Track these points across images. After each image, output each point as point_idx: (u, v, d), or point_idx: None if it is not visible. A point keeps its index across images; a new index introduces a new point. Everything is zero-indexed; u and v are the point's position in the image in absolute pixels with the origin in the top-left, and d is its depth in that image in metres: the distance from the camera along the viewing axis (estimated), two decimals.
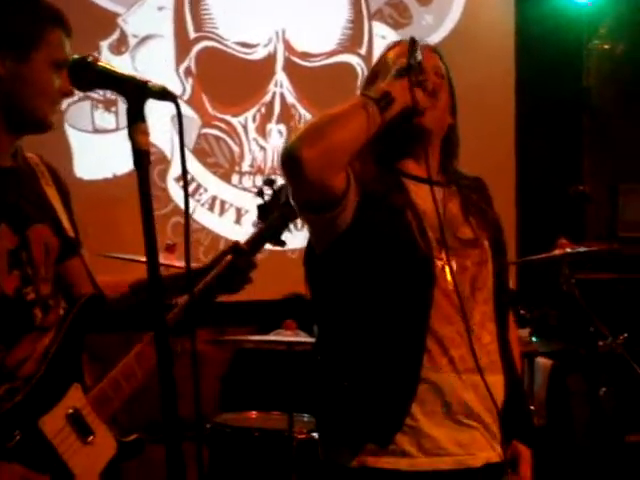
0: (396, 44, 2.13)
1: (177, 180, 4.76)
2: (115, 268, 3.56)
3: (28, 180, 1.99)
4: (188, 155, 4.73)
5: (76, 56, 1.49)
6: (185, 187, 1.51)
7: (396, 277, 1.94)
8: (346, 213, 1.92)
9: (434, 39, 5.27)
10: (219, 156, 4.94)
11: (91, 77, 1.47)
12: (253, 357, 4.21)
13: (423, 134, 2.01)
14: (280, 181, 2.13)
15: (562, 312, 4.65)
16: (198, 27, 4.89)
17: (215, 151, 4.93)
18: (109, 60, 4.42)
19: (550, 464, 4.16)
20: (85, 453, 1.93)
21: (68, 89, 1.93)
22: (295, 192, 1.93)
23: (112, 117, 4.58)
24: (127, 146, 1.40)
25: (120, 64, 4.43)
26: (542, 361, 4.50)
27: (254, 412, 3.71)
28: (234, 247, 2.08)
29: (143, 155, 1.39)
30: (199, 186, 4.88)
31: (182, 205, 4.63)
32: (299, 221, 2.09)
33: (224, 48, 4.94)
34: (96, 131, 4.57)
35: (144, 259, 1.39)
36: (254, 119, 5.02)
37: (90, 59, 1.46)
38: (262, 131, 5.04)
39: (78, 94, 4.39)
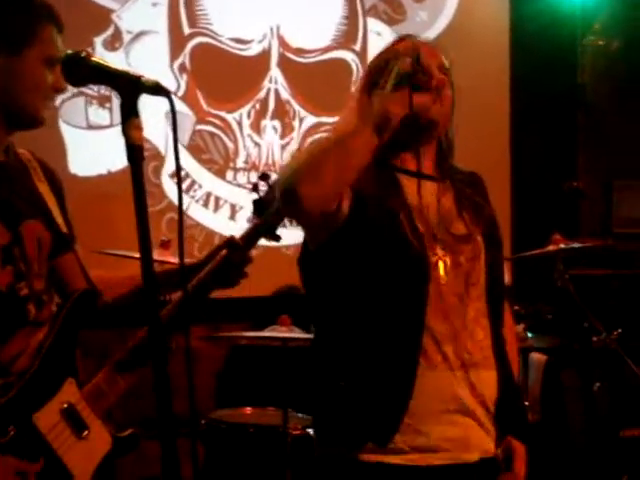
0: (399, 41, 2.11)
1: (171, 176, 4.75)
2: (109, 264, 3.55)
3: (20, 176, 1.99)
4: (182, 151, 4.73)
5: (70, 51, 1.49)
6: (179, 183, 1.51)
7: (390, 275, 1.94)
8: (340, 214, 1.93)
9: (428, 36, 5.24)
10: (213, 152, 4.94)
11: (85, 72, 1.47)
12: (248, 353, 4.21)
13: (432, 130, 2.02)
14: (274, 175, 2.13)
15: (556, 308, 4.65)
16: (192, 23, 4.89)
17: (210, 147, 4.93)
18: (103, 56, 4.41)
19: (545, 459, 4.17)
20: (80, 448, 1.93)
21: (60, 85, 1.93)
22: (294, 219, 1.94)
23: (106, 113, 4.57)
24: (121, 142, 1.40)
25: (114, 60, 4.42)
26: (536, 356, 4.51)
27: (249, 408, 3.71)
28: (229, 242, 2.08)
29: (137, 150, 1.39)
30: (193, 182, 4.87)
31: (176, 201, 4.62)
32: None
33: (218, 44, 4.94)
34: (90, 127, 4.57)
35: (138, 255, 1.39)
36: (249, 115, 5.02)
37: (84, 54, 1.46)
38: (257, 127, 5.04)
39: (72, 90, 4.40)
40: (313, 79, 5.15)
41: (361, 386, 1.94)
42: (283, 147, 5.09)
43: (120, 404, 2.03)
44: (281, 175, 1.96)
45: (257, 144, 5.03)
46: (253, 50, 5.03)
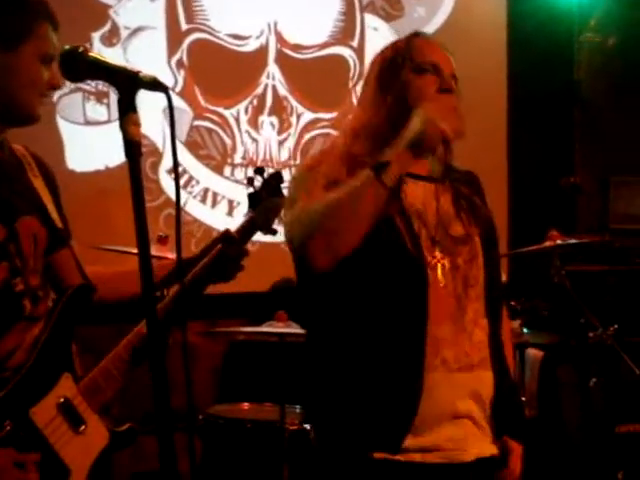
0: (411, 38, 2.10)
1: (169, 172, 4.76)
2: (107, 260, 3.56)
3: (15, 172, 1.99)
4: (180, 147, 4.73)
5: (67, 47, 1.49)
6: (176, 179, 1.52)
7: (389, 281, 1.94)
8: None
9: (426, 32, 5.27)
10: (211, 148, 4.94)
11: (82, 68, 1.47)
12: (245, 349, 4.22)
13: (451, 142, 2.02)
14: (270, 170, 2.13)
15: (553, 304, 4.66)
16: (190, 19, 4.88)
17: (207, 143, 4.93)
18: (101, 52, 4.41)
19: (541, 454, 4.18)
20: (77, 443, 1.93)
21: (56, 82, 1.93)
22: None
23: (104, 109, 4.58)
24: (119, 138, 1.41)
25: (112, 56, 4.42)
26: (533, 352, 4.52)
27: (246, 404, 3.72)
28: (224, 236, 2.08)
29: (134, 146, 1.39)
30: (191, 178, 4.88)
31: (174, 197, 4.62)
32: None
33: (216, 40, 4.94)
34: (88, 123, 4.57)
35: (136, 251, 1.39)
36: (246, 111, 5.02)
37: (81, 50, 1.47)
38: (254, 123, 5.04)
39: (69, 86, 4.40)
40: (311, 75, 5.15)
41: (367, 390, 1.95)
42: (281, 143, 5.09)
43: (118, 399, 2.04)
44: (293, 230, 1.93)
45: (255, 140, 5.04)
46: (250, 46, 5.03)
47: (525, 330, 4.30)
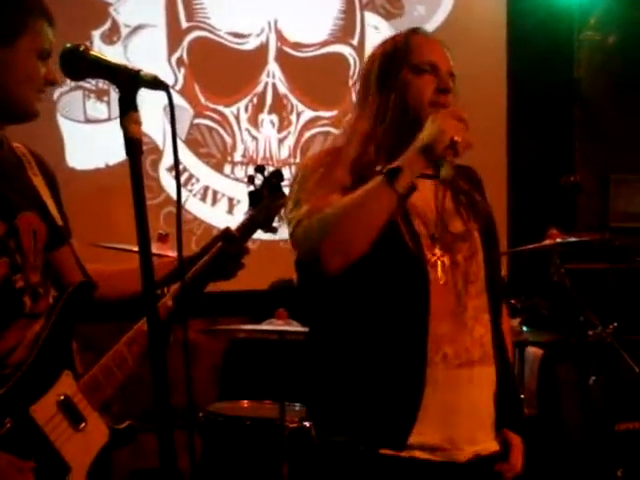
0: (409, 35, 2.10)
1: (169, 170, 4.76)
2: (107, 258, 3.56)
3: (14, 169, 1.99)
4: (180, 145, 4.73)
5: (68, 45, 1.49)
6: (177, 177, 1.52)
7: (390, 279, 1.95)
8: None
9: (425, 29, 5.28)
10: (211, 146, 4.94)
11: (83, 66, 1.48)
12: (245, 347, 4.22)
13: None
14: (270, 168, 2.13)
15: (553, 302, 4.66)
16: (190, 17, 4.89)
17: (207, 141, 4.93)
18: (101, 50, 4.41)
19: (540, 453, 4.18)
20: (77, 440, 1.93)
21: (53, 77, 1.93)
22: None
23: (104, 107, 4.58)
24: (119, 136, 1.41)
25: (112, 54, 4.43)
26: (532, 351, 4.52)
27: (246, 401, 3.72)
28: (225, 234, 2.08)
29: (135, 144, 1.40)
30: (191, 176, 4.88)
31: (174, 195, 4.63)
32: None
33: (216, 38, 4.94)
34: (88, 121, 4.58)
35: (136, 249, 1.39)
36: (246, 109, 5.02)
37: (82, 48, 1.47)
38: (254, 121, 5.04)
39: (70, 84, 4.41)
40: (311, 73, 5.16)
41: (369, 387, 1.96)
42: (281, 141, 5.10)
43: (118, 397, 2.04)
44: (302, 233, 1.94)
45: (255, 138, 5.04)
46: (251, 44, 5.03)
47: (525, 328, 4.30)
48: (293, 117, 5.13)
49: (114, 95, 4.51)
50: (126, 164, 1.41)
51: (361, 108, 2.08)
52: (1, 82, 1.90)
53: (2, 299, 1.89)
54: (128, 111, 1.40)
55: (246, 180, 2.15)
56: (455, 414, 1.97)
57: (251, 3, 4.99)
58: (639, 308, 5.04)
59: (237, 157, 5.00)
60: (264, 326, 3.61)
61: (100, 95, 4.56)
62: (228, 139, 4.98)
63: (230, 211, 4.92)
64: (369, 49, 2.19)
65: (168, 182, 4.76)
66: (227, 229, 2.08)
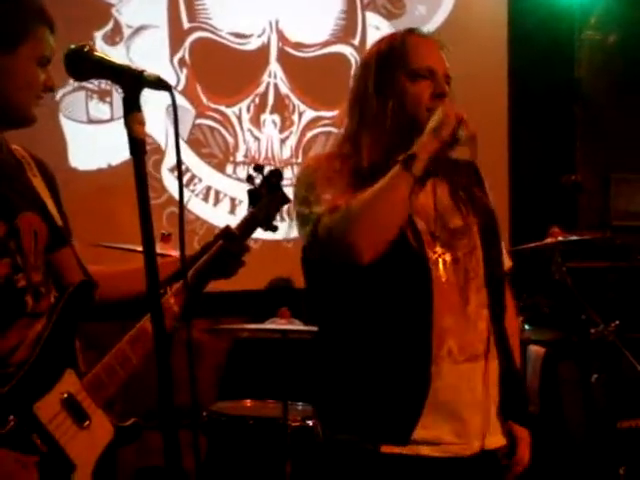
0: (406, 37, 2.12)
1: (171, 170, 4.77)
2: (110, 258, 3.57)
3: (14, 171, 1.99)
4: (182, 145, 4.74)
5: (73, 45, 1.50)
6: (180, 177, 1.53)
7: (393, 278, 1.97)
8: None
9: (427, 30, 5.28)
10: (213, 146, 4.96)
11: (87, 67, 1.49)
12: (248, 346, 4.23)
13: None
14: (269, 167, 2.14)
15: (554, 300, 4.67)
16: (192, 17, 4.90)
17: (209, 141, 4.95)
18: (103, 50, 4.42)
19: (542, 451, 4.19)
20: (82, 438, 1.93)
21: (51, 84, 1.94)
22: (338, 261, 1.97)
23: (107, 107, 4.59)
24: (122, 136, 1.42)
25: (115, 55, 4.43)
26: (535, 349, 4.53)
27: (249, 400, 3.73)
28: (225, 232, 2.08)
29: (139, 144, 1.41)
30: (193, 176, 4.89)
31: (176, 195, 4.63)
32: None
33: (218, 39, 4.96)
34: (91, 121, 4.59)
35: (139, 248, 1.40)
36: (248, 109, 5.03)
37: (87, 48, 1.48)
38: (256, 121, 5.05)
39: (72, 84, 4.42)
40: (312, 73, 5.17)
41: (375, 383, 1.97)
42: (283, 141, 5.11)
43: (120, 396, 2.04)
44: (328, 232, 1.95)
45: (257, 138, 5.05)
46: (252, 44, 5.05)
47: (527, 327, 4.31)
48: (295, 117, 5.14)
49: (116, 96, 4.53)
50: (128, 164, 1.42)
51: (360, 114, 2.09)
52: (1, 88, 1.91)
53: (4, 298, 1.90)
54: (132, 111, 1.41)
55: (245, 179, 2.15)
56: (460, 408, 1.99)
57: (252, 4, 5.01)
58: None
59: (239, 157, 5.01)
60: (267, 325, 3.62)
61: (102, 96, 4.58)
62: (230, 139, 4.99)
63: (232, 211, 4.94)
64: (387, 46, 2.18)
65: (170, 182, 4.77)
66: (227, 227, 2.09)
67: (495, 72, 5.74)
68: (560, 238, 4.04)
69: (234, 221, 2.09)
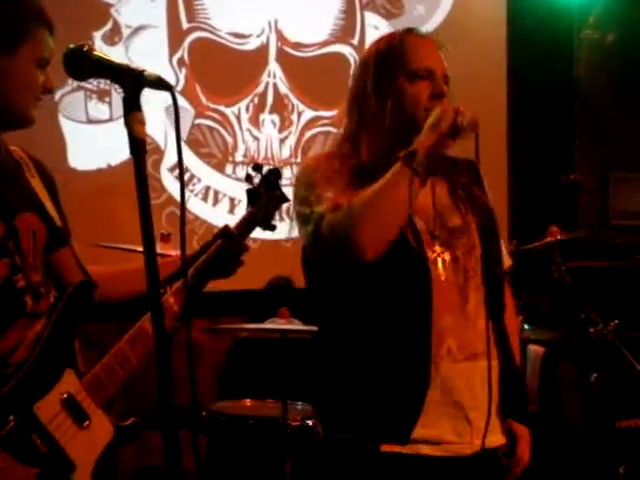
0: (404, 37, 2.12)
1: (171, 170, 4.78)
2: (110, 258, 3.57)
3: (12, 172, 1.99)
4: (181, 145, 4.74)
5: (72, 45, 1.50)
6: (181, 177, 1.53)
7: (393, 277, 1.97)
8: None
9: (426, 30, 5.29)
10: (212, 146, 4.96)
11: (87, 66, 1.49)
12: (248, 346, 4.23)
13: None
14: (267, 166, 2.14)
15: (553, 299, 4.67)
16: (191, 17, 4.90)
17: (208, 141, 4.95)
18: (103, 50, 4.42)
19: (542, 450, 4.19)
20: (82, 438, 1.93)
21: (50, 86, 1.94)
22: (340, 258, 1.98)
23: (106, 107, 4.59)
24: (121, 136, 1.42)
25: (114, 55, 4.43)
26: (534, 348, 4.53)
27: (249, 400, 3.73)
28: (224, 232, 2.08)
29: (139, 144, 1.40)
30: (193, 176, 4.90)
31: (176, 195, 4.65)
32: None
33: (217, 39, 4.96)
34: (90, 121, 4.59)
35: (140, 248, 1.40)
36: (247, 109, 5.04)
37: (86, 48, 1.48)
38: (255, 121, 5.06)
39: (72, 84, 4.42)
40: (311, 73, 5.17)
41: (375, 382, 1.97)
42: (282, 141, 5.11)
43: (120, 396, 2.04)
44: (332, 230, 1.96)
45: (256, 138, 5.06)
46: (251, 44, 5.05)
47: (526, 326, 4.31)
48: (294, 117, 5.14)
49: (115, 96, 4.53)
50: (128, 164, 1.42)
51: (358, 114, 2.10)
52: (0, 90, 1.91)
53: (3, 299, 1.90)
54: (132, 111, 1.41)
55: (244, 178, 2.15)
56: (460, 407, 1.99)
57: (251, 3, 5.01)
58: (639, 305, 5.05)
59: (238, 157, 5.02)
60: (267, 325, 3.62)
61: (102, 96, 4.58)
62: (229, 139, 5.00)
63: (231, 211, 4.94)
64: (387, 45, 2.18)
65: (170, 182, 4.77)
66: (226, 227, 2.09)
67: (494, 72, 5.74)
68: (559, 237, 4.05)
69: (233, 221, 2.09)
